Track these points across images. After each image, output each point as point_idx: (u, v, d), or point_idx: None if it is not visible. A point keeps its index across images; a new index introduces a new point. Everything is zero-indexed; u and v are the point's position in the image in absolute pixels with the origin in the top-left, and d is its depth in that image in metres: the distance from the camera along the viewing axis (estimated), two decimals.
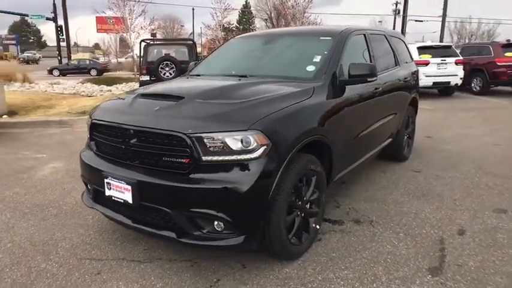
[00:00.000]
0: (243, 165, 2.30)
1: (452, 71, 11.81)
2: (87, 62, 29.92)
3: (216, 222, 2.35)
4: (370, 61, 3.96)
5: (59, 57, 34.07)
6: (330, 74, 3.17)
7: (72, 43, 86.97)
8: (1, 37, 75.76)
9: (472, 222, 3.35)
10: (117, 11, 19.12)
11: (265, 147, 2.32)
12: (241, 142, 2.29)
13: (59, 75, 26.93)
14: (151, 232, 2.52)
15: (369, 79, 3.24)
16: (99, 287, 2.47)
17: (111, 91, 14.29)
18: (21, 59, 44.79)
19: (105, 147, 2.76)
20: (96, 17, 37.87)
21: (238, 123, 2.33)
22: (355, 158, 3.65)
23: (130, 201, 2.47)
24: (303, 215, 2.78)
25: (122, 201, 2.52)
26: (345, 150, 3.33)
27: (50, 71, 28.16)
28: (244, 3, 66.99)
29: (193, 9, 43.39)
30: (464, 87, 13.01)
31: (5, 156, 5.71)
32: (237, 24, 69.08)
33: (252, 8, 64.69)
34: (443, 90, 12.80)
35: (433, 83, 11.80)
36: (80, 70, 28.31)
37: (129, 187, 2.45)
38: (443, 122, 8.19)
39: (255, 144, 2.30)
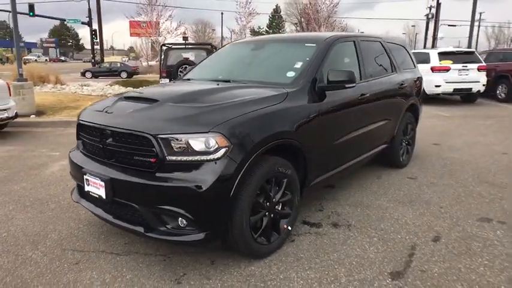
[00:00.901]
0: (204, 166, 2.44)
1: (475, 78, 11.48)
2: (118, 64, 30.98)
3: (180, 219, 2.50)
4: (359, 67, 4.01)
5: (93, 60, 35.52)
6: (308, 79, 3.26)
7: (108, 46, 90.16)
8: (42, 40, 79.81)
9: (451, 229, 3.34)
10: (145, 16, 19.73)
11: (225, 148, 2.45)
12: (204, 144, 2.43)
13: (91, 77, 28.02)
14: (123, 226, 2.70)
15: (346, 85, 3.30)
16: (74, 276, 2.66)
17: None
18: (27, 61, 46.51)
19: (88, 146, 2.97)
20: (130, 21, 39.25)
21: (201, 126, 2.47)
22: (338, 163, 3.70)
23: (104, 196, 2.66)
24: (272, 215, 2.88)
25: (98, 196, 2.72)
26: (324, 155, 3.40)
27: (83, 73, 29.35)
28: (274, 7, 67.39)
29: (222, 13, 44.33)
30: (489, 94, 12.60)
31: (23, 153, 6.10)
32: (266, 29, 69.68)
33: (282, 13, 65.06)
34: (465, 97, 12.45)
35: (454, 89, 11.50)
36: (111, 72, 29.35)
37: (103, 183, 2.64)
38: (457, 129, 8.00)
39: (216, 145, 2.44)
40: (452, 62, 11.52)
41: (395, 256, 2.90)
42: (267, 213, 2.83)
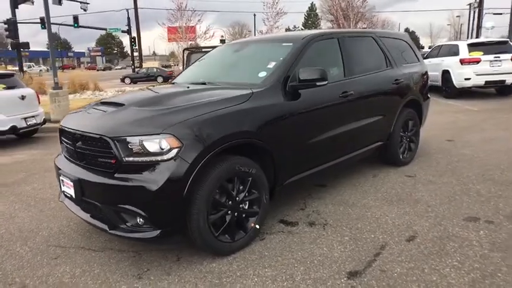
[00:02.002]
0: (157, 166, 2.55)
1: (508, 69, 10.77)
2: (155, 70, 32.07)
3: (138, 217, 2.62)
4: (343, 65, 3.96)
5: (133, 66, 37.04)
6: (278, 79, 3.28)
7: (151, 52, 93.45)
8: (89, 49, 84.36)
9: (431, 229, 3.22)
10: (175, 21, 20.32)
11: (177, 149, 2.54)
12: (158, 145, 2.54)
13: (130, 83, 29.28)
14: (93, 224, 2.87)
15: (317, 83, 3.28)
16: (49, 269, 2.87)
17: None
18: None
19: (66, 150, 3.18)
20: (167, 27, 40.55)
21: (154, 128, 2.58)
22: (316, 162, 3.67)
23: (73, 195, 2.85)
24: (236, 214, 2.94)
25: (70, 196, 2.91)
26: (297, 154, 3.39)
27: (122, 79, 30.73)
28: (309, 5, 66.80)
29: (254, 15, 44.49)
30: None
31: (44, 156, 6.56)
32: (302, 27, 69.22)
33: (317, 10, 64.31)
34: (500, 89, 11.72)
35: (486, 82, 10.87)
36: (148, 78, 30.47)
37: (72, 183, 2.82)
38: (480, 124, 7.59)
39: (168, 146, 2.54)
40: (483, 53, 10.90)
41: (361, 256, 2.85)
42: (229, 211, 2.89)
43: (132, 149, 2.57)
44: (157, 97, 3.18)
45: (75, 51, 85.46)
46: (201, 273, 2.72)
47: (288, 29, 71.58)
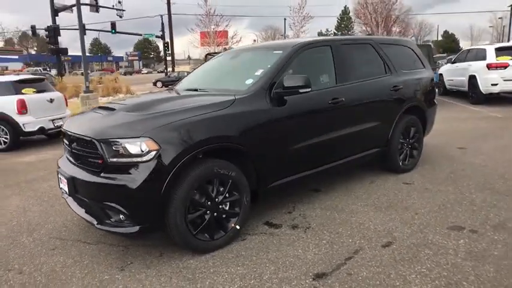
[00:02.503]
0: (136, 167, 2.76)
1: None
2: (185, 74, 32.90)
3: (120, 213, 2.85)
4: (334, 72, 4.04)
5: (166, 70, 38.21)
6: (263, 86, 3.42)
7: (186, 56, 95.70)
8: (127, 54, 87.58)
9: (411, 236, 3.24)
10: (203, 27, 20.83)
11: (155, 152, 2.75)
12: (139, 147, 2.76)
13: (161, 87, 30.23)
14: (85, 219, 3.12)
15: (301, 90, 3.40)
16: (45, 259, 3.15)
17: None
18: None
19: (66, 151, 3.47)
20: (200, 32, 41.58)
21: (135, 131, 2.80)
22: (305, 167, 3.77)
23: (67, 192, 3.12)
24: (215, 214, 3.10)
25: (65, 191, 3.19)
26: (283, 158, 3.51)
27: (155, 83, 31.77)
28: (343, 9, 66.03)
29: (284, 19, 44.49)
30: None
31: None
32: (335, 31, 68.57)
33: (351, 14, 63.50)
34: None
35: None
36: (179, 81, 31.33)
37: (66, 181, 3.09)
38: (497, 132, 7.35)
39: (147, 149, 2.75)
40: (511, 57, 10.49)
41: (332, 259, 2.93)
42: (208, 211, 3.06)
43: (116, 150, 2.80)
44: (146, 103, 3.41)
45: (114, 55, 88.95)
46: (178, 269, 2.90)
47: (320, 33, 71.07)
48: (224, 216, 3.18)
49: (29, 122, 7.66)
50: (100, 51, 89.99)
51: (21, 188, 5.16)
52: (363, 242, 3.19)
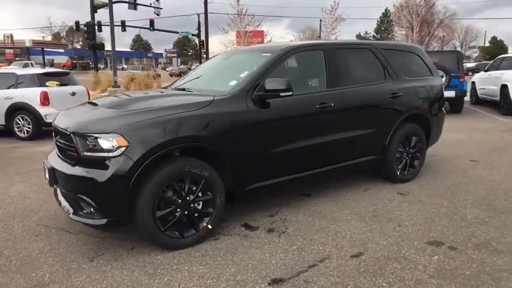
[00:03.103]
0: (107, 162, 2.85)
1: None
2: None
3: (90, 206, 2.95)
4: (326, 76, 3.97)
5: (191, 68, 38.89)
6: (244, 88, 3.43)
7: None
8: (166, 51, 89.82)
9: (384, 248, 3.14)
10: (234, 26, 21.00)
11: (124, 148, 2.83)
12: (110, 142, 2.85)
13: None
14: (63, 207, 3.26)
15: (281, 94, 3.38)
16: (26, 244, 3.32)
17: None
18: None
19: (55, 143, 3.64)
20: (236, 31, 41.98)
21: (107, 127, 2.90)
22: (288, 170, 3.74)
23: (48, 181, 3.27)
24: (186, 212, 3.14)
25: (47, 181, 3.34)
26: (262, 161, 3.50)
27: None
28: (383, 11, 64.47)
29: (320, 20, 43.73)
30: None
31: None
32: (374, 33, 67.06)
33: (391, 16, 61.84)
34: None
35: None
36: None
37: (47, 171, 3.24)
38: None
39: (117, 144, 2.83)
40: None
41: (296, 265, 2.90)
42: (178, 209, 3.10)
43: (89, 144, 2.91)
44: (128, 100, 3.50)
45: (154, 52, 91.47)
46: (144, 263, 2.97)
47: (358, 36, 69.70)
48: (196, 215, 3.22)
49: (50, 113, 8.03)
50: (141, 47, 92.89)
51: (29, 175, 5.44)
52: (333, 250, 3.13)
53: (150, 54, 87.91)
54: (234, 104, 3.33)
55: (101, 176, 2.82)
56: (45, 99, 8.01)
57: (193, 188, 3.17)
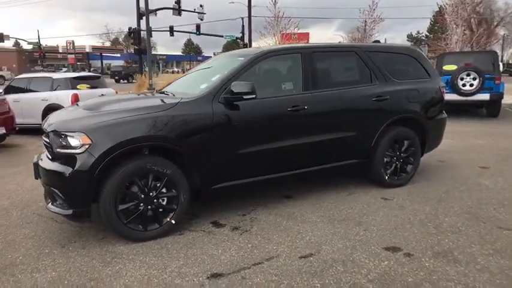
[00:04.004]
0: (72, 158, 3.14)
1: None
2: None
3: (59, 197, 3.26)
4: (302, 80, 4.01)
5: None
6: (211, 91, 3.59)
7: None
8: (214, 54, 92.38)
9: (337, 251, 3.15)
10: (270, 29, 21.17)
11: (87, 146, 3.10)
12: (77, 140, 3.14)
13: None
14: (45, 197, 3.61)
15: (245, 97, 3.49)
16: (16, 229, 3.70)
17: None
18: None
19: None
20: (281, 33, 42.16)
21: (74, 126, 3.19)
22: (258, 172, 3.83)
23: (34, 175, 3.64)
24: (149, 207, 3.36)
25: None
26: (228, 161, 3.63)
27: None
28: (437, 9, 61.43)
29: (365, 21, 42.40)
30: None
31: None
32: (427, 33, 64.07)
33: (446, 15, 58.62)
34: None
35: None
36: None
37: (33, 166, 3.61)
38: None
39: (81, 143, 3.11)
40: None
41: (242, 262, 3.00)
42: (141, 204, 3.32)
43: (61, 142, 3.22)
44: (106, 101, 3.79)
45: (204, 55, 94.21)
46: (105, 252, 3.22)
47: (410, 36, 66.96)
48: (161, 210, 3.42)
49: None
50: (192, 51, 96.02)
51: None
52: (285, 250, 3.19)
53: (199, 58, 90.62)
54: (198, 106, 3.50)
55: (67, 170, 3.11)
56: (75, 101, 8.67)
57: (158, 185, 3.37)
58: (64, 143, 3.20)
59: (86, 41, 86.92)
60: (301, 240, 3.37)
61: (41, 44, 46.81)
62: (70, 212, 3.20)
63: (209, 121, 3.50)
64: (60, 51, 60.22)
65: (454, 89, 10.13)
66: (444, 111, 5.17)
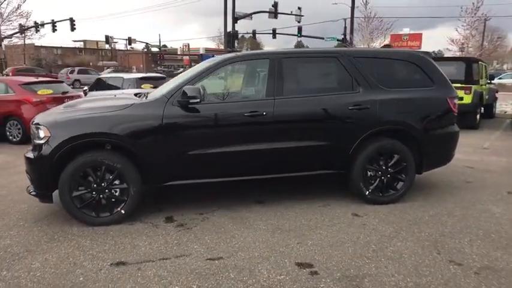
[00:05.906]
0: (39, 147, 3.71)
1: None
2: None
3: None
4: (267, 85, 3.99)
5: None
6: (167, 94, 3.86)
7: None
8: None
9: (244, 259, 3.13)
10: (359, 31, 20.40)
11: (48, 137, 3.64)
12: (42, 132, 3.71)
13: None
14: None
15: (191, 101, 3.67)
16: (17, 215, 4.43)
17: None
18: None
19: None
20: (391, 34, 39.92)
21: (43, 121, 3.76)
22: (209, 173, 3.97)
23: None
24: (101, 196, 3.77)
25: None
26: (178, 161, 3.83)
27: None
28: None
29: (485, 19, 37.17)
30: None
31: None
32: None
33: None
34: None
35: None
36: None
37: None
38: None
39: (43, 134, 3.67)
40: None
41: (153, 256, 3.20)
42: (93, 192, 3.75)
43: (37, 133, 3.83)
44: (83, 101, 4.32)
45: None
46: (59, 231, 3.69)
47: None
48: (113, 200, 3.81)
49: None
50: None
51: None
52: (201, 251, 3.28)
53: None
54: (150, 108, 3.79)
55: (33, 157, 3.70)
56: None
57: (110, 177, 3.76)
58: (38, 135, 3.80)
59: (203, 44, 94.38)
60: (226, 244, 3.42)
61: (162, 47, 52.51)
62: (35, 193, 3.79)
63: (158, 123, 3.75)
64: (179, 53, 66.60)
65: None
66: (455, 124, 4.55)
